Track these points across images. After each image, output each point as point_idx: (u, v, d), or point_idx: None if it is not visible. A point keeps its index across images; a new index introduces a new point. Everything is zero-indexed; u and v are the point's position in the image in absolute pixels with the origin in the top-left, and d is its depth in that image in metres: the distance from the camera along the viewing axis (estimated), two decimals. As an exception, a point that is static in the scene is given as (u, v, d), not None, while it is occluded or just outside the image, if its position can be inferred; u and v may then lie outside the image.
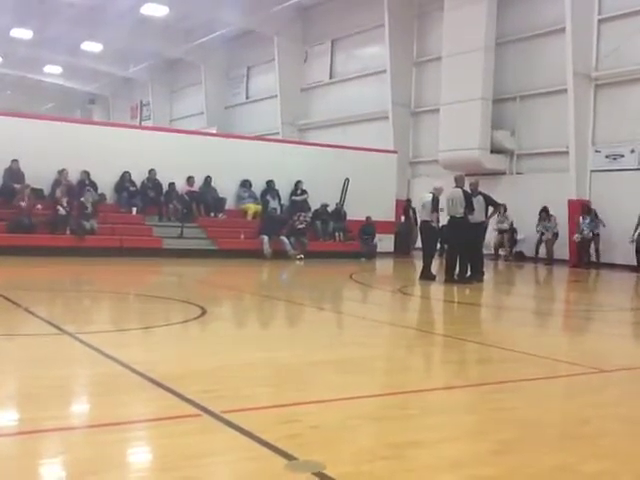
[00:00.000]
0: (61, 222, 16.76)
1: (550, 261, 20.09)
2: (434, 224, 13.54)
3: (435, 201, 13.37)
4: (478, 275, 13.61)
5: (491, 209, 14.13)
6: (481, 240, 14.20)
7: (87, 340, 6.11)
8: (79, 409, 4.39)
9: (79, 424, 3.96)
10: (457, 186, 13.35)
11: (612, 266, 19.10)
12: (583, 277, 17.71)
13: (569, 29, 19.45)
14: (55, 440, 3.59)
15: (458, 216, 13.07)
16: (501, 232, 21.14)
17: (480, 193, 13.83)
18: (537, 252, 20.66)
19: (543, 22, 21.13)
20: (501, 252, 21.46)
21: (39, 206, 16.71)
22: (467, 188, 13.55)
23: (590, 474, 3.34)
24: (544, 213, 20.19)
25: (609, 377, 5.67)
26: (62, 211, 16.83)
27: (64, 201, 16.96)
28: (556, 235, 20.19)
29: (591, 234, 19.03)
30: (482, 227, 13.94)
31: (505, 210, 20.54)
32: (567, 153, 19.97)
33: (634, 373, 5.80)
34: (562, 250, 20.09)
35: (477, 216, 13.42)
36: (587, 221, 19.02)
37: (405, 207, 23.34)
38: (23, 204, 16.43)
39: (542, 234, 20.32)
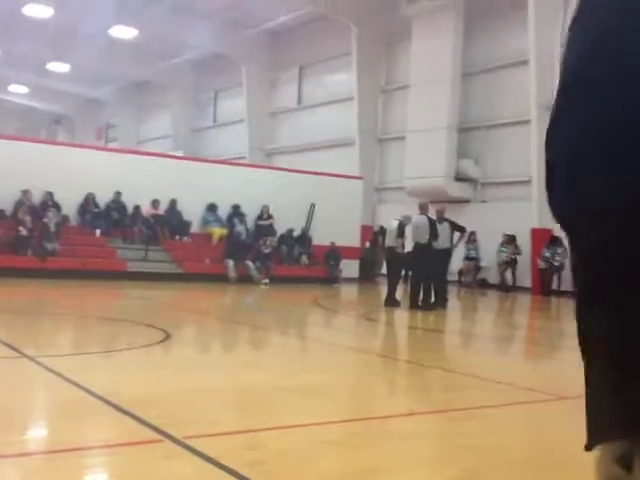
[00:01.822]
0: (23, 243, 16.51)
1: (507, 288, 20.27)
2: (399, 250, 13.64)
3: (401, 227, 13.49)
4: (442, 302, 13.71)
5: (457, 235, 14.26)
6: (445, 267, 14.31)
7: (47, 364, 6.01)
8: (37, 434, 4.31)
9: (37, 449, 3.88)
10: (422, 213, 13.49)
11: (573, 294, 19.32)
12: (545, 305, 17.91)
13: (533, 61, 19.87)
14: (13, 466, 3.51)
15: (422, 242, 13.18)
16: (468, 259, 21.35)
17: (446, 220, 13.96)
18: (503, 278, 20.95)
19: (508, 54, 21.55)
20: (464, 279, 21.65)
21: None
22: (432, 215, 13.69)
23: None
24: (506, 238, 20.46)
25: (571, 404, 5.72)
26: (24, 232, 16.59)
27: (26, 222, 16.73)
28: (507, 263, 20.49)
29: (555, 264, 19.20)
30: (447, 254, 14.05)
31: (475, 240, 20.84)
32: (530, 182, 20.27)
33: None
34: (525, 278, 20.33)
35: (442, 243, 13.55)
36: (550, 251, 19.26)
37: (375, 233, 23.38)
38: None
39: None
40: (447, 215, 14.25)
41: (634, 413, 0.73)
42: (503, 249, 20.52)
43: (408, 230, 13.59)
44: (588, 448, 0.79)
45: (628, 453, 0.75)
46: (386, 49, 25.85)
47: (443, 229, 13.62)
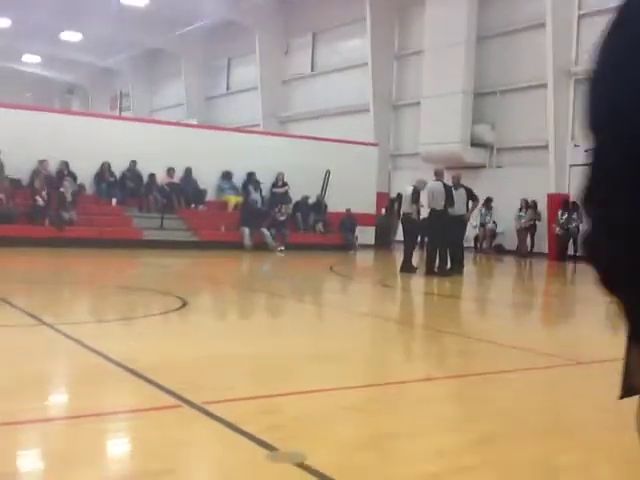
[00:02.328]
0: (40, 213, 16.61)
1: (524, 254, 20.20)
2: (414, 216, 13.59)
3: (415, 193, 13.42)
4: (458, 268, 13.68)
5: (471, 204, 14.18)
6: (462, 233, 14.26)
7: (66, 331, 6.06)
8: (57, 400, 4.37)
9: (57, 415, 3.93)
10: (437, 179, 13.42)
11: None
12: (561, 270, 17.85)
13: (549, 24, 19.56)
14: (34, 431, 3.56)
15: (438, 209, 13.12)
16: (484, 225, 21.29)
17: (462, 186, 13.87)
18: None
19: (524, 17, 21.21)
20: (480, 245, 21.61)
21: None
22: (447, 181, 13.62)
23: (566, 465, 3.37)
24: (525, 203, 20.39)
25: (589, 369, 5.72)
26: (41, 202, 16.67)
27: (43, 192, 16.80)
28: (526, 229, 20.44)
29: (574, 229, 18.96)
30: (463, 220, 13.99)
31: (491, 206, 20.81)
32: (546, 147, 20.09)
33: (610, 365, 5.84)
34: (543, 243, 20.26)
35: (458, 209, 13.48)
36: (565, 216, 19.14)
37: (391, 200, 23.29)
38: (1, 196, 16.21)
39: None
40: (462, 181, 14.14)
41: None
42: (522, 214, 20.40)
43: (423, 196, 13.52)
44: (620, 397, 0.82)
45: None
46: (400, 14, 25.50)
47: (459, 195, 13.54)
